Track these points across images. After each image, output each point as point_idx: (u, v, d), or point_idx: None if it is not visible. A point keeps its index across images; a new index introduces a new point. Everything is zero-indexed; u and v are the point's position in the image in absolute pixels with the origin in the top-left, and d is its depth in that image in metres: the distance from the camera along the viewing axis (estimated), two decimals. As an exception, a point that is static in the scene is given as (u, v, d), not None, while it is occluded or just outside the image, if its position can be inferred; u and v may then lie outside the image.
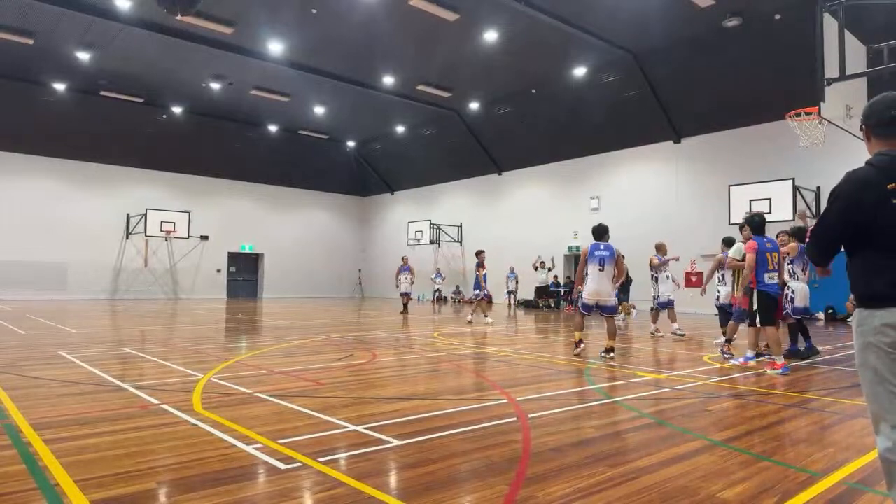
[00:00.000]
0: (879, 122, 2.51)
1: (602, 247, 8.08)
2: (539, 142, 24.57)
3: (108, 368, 6.89)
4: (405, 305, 18.27)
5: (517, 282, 22.85)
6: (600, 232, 8.22)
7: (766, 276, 7.18)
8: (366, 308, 22.07)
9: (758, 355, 7.93)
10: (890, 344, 2.30)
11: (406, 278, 18.13)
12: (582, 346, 8.28)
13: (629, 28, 17.09)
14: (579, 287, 8.22)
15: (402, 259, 18.87)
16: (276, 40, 18.66)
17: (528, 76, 21.18)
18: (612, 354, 7.90)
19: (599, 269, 7.99)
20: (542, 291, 23.23)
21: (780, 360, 7.08)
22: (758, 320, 7.27)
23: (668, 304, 12.12)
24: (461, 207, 29.19)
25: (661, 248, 12.10)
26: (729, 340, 8.30)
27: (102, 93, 23.30)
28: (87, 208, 25.79)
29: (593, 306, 8.08)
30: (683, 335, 11.37)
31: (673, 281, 12.55)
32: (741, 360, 7.67)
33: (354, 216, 35.17)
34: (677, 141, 20.97)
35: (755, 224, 7.50)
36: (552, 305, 22.67)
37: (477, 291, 15.03)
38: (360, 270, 34.38)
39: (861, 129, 2.64)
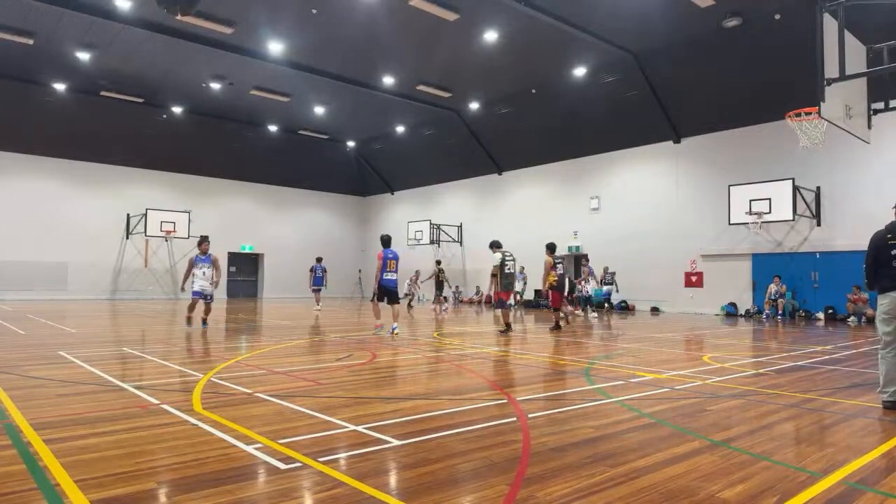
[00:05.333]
0: None
1: (205, 256, 11.98)
2: (539, 142, 24.57)
3: (108, 368, 6.89)
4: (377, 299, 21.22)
5: (525, 282, 22.82)
6: (202, 240, 12.19)
7: (385, 274, 11.22)
8: (366, 308, 22.06)
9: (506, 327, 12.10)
10: (884, 311, 5.09)
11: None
12: (192, 324, 11.93)
13: (629, 28, 17.08)
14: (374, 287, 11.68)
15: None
16: (276, 40, 18.66)
17: (528, 76, 21.18)
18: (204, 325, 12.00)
19: (203, 273, 11.92)
20: (540, 292, 23.22)
21: (379, 322, 11.87)
22: (374, 298, 11.51)
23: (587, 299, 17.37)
24: (461, 207, 29.19)
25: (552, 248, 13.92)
26: (508, 325, 11.86)
27: (102, 93, 23.31)
28: (87, 208, 25.79)
29: (201, 293, 11.98)
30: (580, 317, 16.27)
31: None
32: (388, 333, 11.22)
33: (354, 216, 35.17)
34: (677, 141, 20.97)
35: (384, 240, 11.58)
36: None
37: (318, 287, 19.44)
38: (360, 270, 34.37)
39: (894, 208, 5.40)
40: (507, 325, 11.79)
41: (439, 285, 20.00)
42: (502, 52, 18.95)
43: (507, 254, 12.07)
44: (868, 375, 6.95)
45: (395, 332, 11.22)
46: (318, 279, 19.24)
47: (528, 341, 10.81)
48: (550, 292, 12.86)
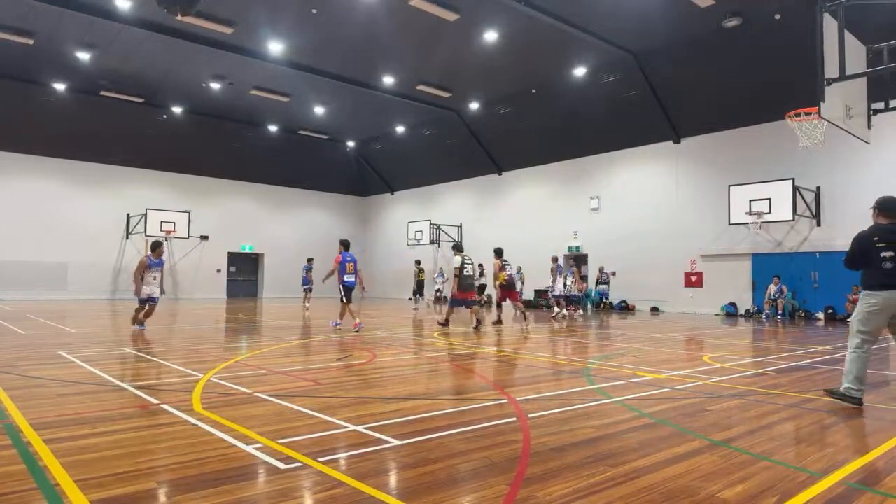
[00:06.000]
0: (884, 208, 5.34)
1: (158, 261, 11.42)
2: (539, 142, 24.57)
3: (108, 368, 6.89)
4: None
5: (523, 282, 22.88)
6: (156, 244, 11.68)
7: (346, 276, 12.23)
8: (366, 308, 22.07)
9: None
10: (868, 309, 5.25)
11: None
12: (140, 328, 11.34)
13: (629, 28, 17.08)
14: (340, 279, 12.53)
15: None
16: (276, 40, 18.66)
17: (528, 76, 21.18)
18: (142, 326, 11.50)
19: (154, 277, 11.39)
20: (541, 292, 23.30)
21: (357, 321, 12.01)
22: (343, 299, 12.33)
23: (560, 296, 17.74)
24: (461, 207, 29.19)
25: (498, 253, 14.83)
26: (447, 321, 12.79)
27: (102, 93, 23.31)
28: (87, 208, 25.79)
29: (150, 299, 11.48)
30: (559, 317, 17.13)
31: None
32: (333, 324, 12.35)
33: (354, 216, 35.16)
34: (677, 141, 20.97)
35: (344, 243, 12.53)
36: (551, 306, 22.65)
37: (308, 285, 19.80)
38: (360, 270, 34.37)
39: (872, 209, 5.46)
40: (446, 321, 12.76)
41: (419, 285, 20.69)
42: (502, 52, 18.95)
43: (466, 257, 13.04)
44: (868, 375, 6.94)
45: (338, 326, 12.14)
46: (304, 279, 20.09)
47: (526, 341, 10.82)
48: (501, 291, 14.09)
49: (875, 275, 5.22)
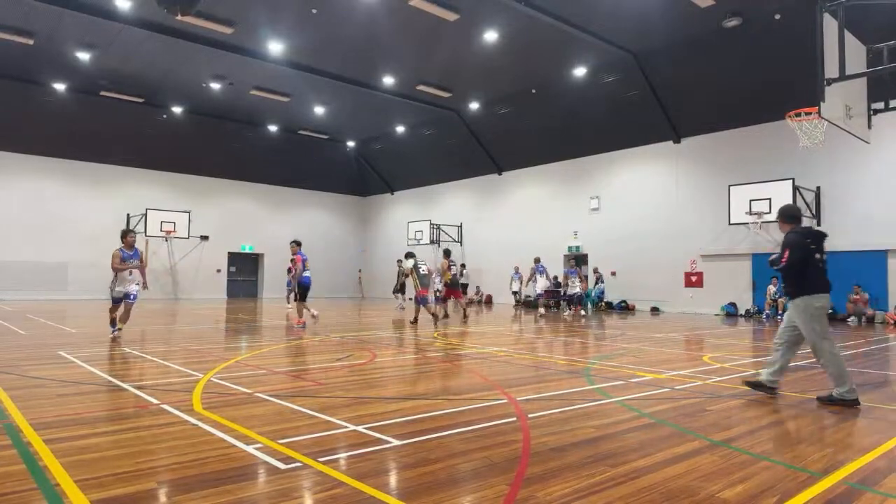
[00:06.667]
0: (792, 217, 5.70)
1: (132, 252, 10.24)
2: (539, 142, 24.56)
3: (108, 368, 6.89)
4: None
5: (521, 282, 22.92)
6: (126, 232, 10.58)
7: (305, 273, 12.75)
8: (366, 308, 22.08)
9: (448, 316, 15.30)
10: (822, 311, 5.38)
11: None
12: (117, 331, 10.10)
13: (629, 28, 17.08)
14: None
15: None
16: (276, 40, 18.66)
17: (528, 76, 21.18)
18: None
19: (130, 273, 10.13)
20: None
21: (300, 319, 12.68)
22: (299, 297, 12.97)
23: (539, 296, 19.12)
24: (461, 207, 29.19)
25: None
26: (435, 315, 13.92)
27: (102, 93, 23.30)
28: (87, 208, 25.78)
29: (126, 295, 10.11)
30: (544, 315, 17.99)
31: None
32: (299, 326, 12.47)
33: (354, 216, 35.16)
34: (677, 141, 20.96)
35: (298, 243, 13.26)
36: (552, 306, 22.66)
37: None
38: (360, 270, 34.38)
39: (778, 220, 5.69)
40: (434, 316, 13.86)
41: (402, 285, 21.14)
42: (502, 52, 18.94)
43: (419, 259, 14.26)
44: (868, 375, 6.96)
45: (315, 315, 13.18)
46: (288, 281, 20.54)
47: (525, 341, 10.82)
48: (445, 289, 15.58)
49: (816, 277, 5.39)
